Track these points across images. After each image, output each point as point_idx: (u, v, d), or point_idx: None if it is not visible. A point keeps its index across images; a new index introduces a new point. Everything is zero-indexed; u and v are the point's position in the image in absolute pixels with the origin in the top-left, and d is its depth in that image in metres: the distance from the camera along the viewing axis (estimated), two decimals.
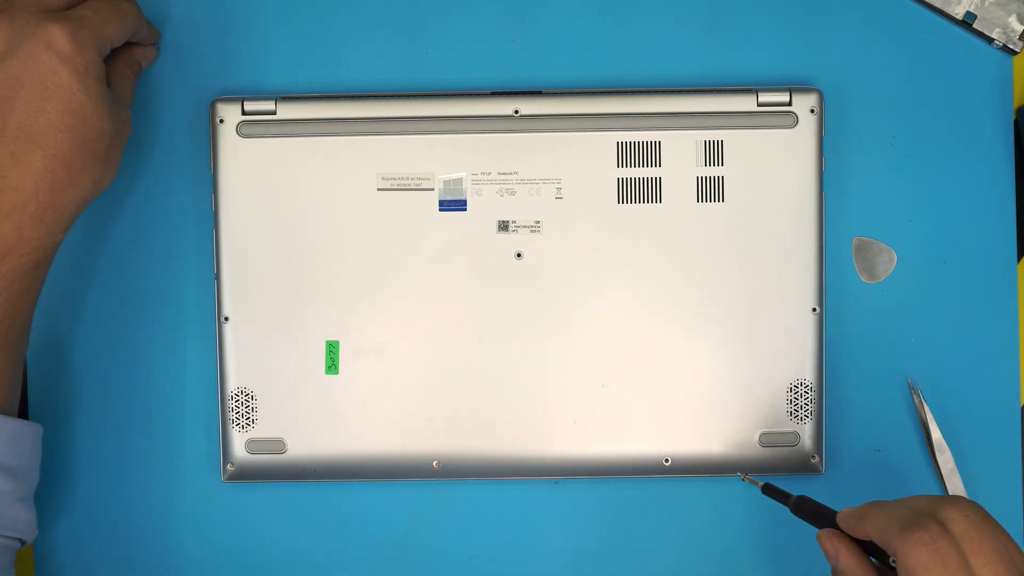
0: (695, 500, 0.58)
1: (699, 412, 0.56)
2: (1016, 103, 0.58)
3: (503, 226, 0.56)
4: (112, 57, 0.53)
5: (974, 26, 0.57)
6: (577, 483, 0.58)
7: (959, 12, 0.57)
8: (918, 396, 0.57)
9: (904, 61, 0.58)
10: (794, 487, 0.58)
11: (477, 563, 0.58)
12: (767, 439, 0.56)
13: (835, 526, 0.47)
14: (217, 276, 0.56)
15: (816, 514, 0.49)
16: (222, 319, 0.56)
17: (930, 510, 0.44)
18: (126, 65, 0.54)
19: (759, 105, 0.56)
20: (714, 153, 0.56)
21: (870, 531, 0.45)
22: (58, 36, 0.47)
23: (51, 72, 0.47)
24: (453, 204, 0.56)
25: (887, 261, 0.58)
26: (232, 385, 0.56)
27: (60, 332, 0.58)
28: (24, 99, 0.47)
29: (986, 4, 0.57)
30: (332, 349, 0.56)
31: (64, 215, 0.49)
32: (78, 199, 0.49)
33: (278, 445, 0.56)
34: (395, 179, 0.56)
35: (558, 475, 0.57)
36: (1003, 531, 0.44)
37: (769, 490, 0.51)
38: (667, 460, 0.56)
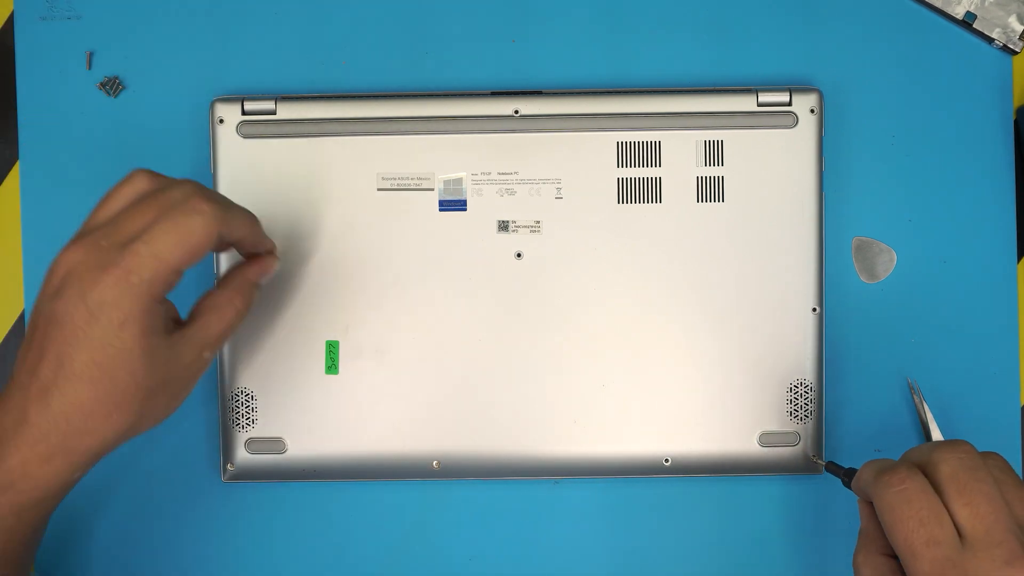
0: (695, 500, 0.58)
1: (699, 412, 0.56)
2: (1016, 103, 0.58)
3: (503, 226, 0.56)
4: (221, 282, 0.50)
5: (974, 26, 0.57)
6: (577, 483, 0.58)
7: (959, 12, 0.57)
8: (918, 396, 0.57)
9: (904, 61, 0.58)
10: (794, 487, 0.58)
11: (477, 563, 0.58)
12: (767, 439, 0.56)
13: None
14: (217, 276, 0.56)
15: (841, 473, 0.51)
16: None
17: (923, 455, 0.44)
18: (233, 293, 0.49)
19: (759, 105, 0.56)
20: (714, 153, 0.56)
21: (861, 486, 0.46)
22: (101, 287, 0.43)
23: (84, 323, 0.43)
24: (453, 204, 0.56)
25: (887, 261, 0.58)
26: (232, 385, 0.56)
27: None
28: (56, 341, 0.44)
29: (986, 4, 0.57)
30: (332, 349, 0.56)
31: (78, 460, 0.45)
32: (96, 447, 0.45)
33: (278, 445, 0.56)
34: (395, 179, 0.56)
35: (558, 475, 0.57)
36: (1008, 476, 0.43)
37: (832, 467, 0.52)
38: (667, 460, 0.56)
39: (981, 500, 0.42)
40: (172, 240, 0.44)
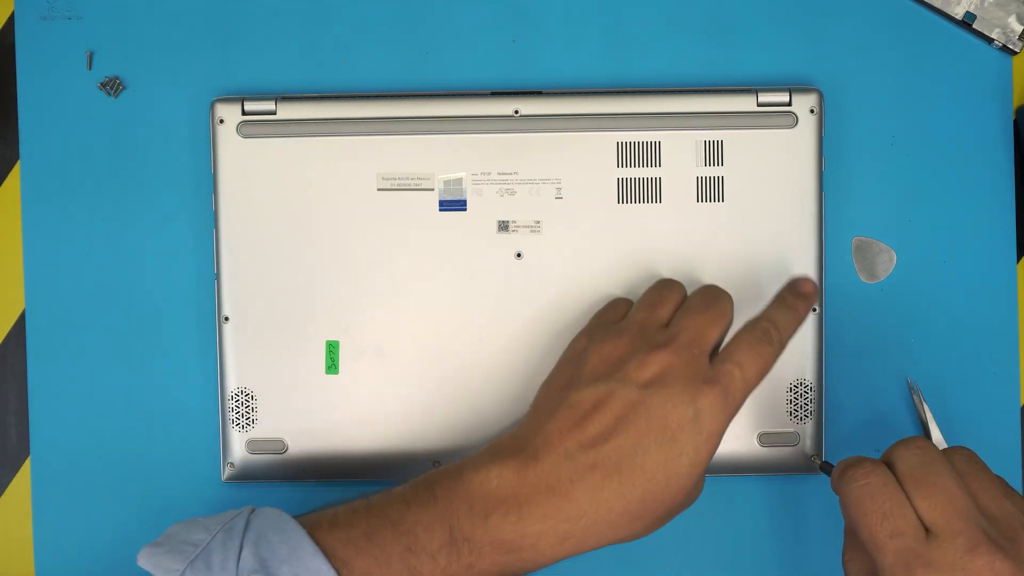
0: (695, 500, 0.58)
1: None
2: (1016, 103, 0.58)
3: (503, 226, 0.56)
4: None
5: (974, 26, 0.57)
6: None
7: (959, 12, 0.57)
8: (918, 396, 0.57)
9: (904, 61, 0.58)
10: (794, 487, 0.58)
11: None
12: (767, 439, 0.56)
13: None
14: (217, 276, 0.56)
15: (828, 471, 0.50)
16: (222, 319, 0.56)
17: (888, 451, 0.45)
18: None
19: (759, 105, 0.56)
20: (714, 153, 0.56)
21: (833, 480, 0.46)
22: (706, 399, 0.44)
23: (679, 424, 0.44)
24: (453, 204, 0.56)
25: (887, 261, 0.58)
26: (232, 385, 0.56)
27: (61, 332, 0.58)
28: (640, 430, 0.44)
29: (986, 4, 0.57)
30: (332, 349, 0.56)
31: (586, 549, 0.45)
32: (608, 542, 0.46)
33: (278, 445, 0.56)
34: (395, 179, 0.56)
35: None
36: (983, 477, 0.44)
37: (826, 467, 0.51)
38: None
39: (937, 492, 0.42)
40: (756, 366, 0.46)
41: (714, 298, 0.48)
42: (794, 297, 0.50)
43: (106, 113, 0.58)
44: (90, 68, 0.58)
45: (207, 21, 0.59)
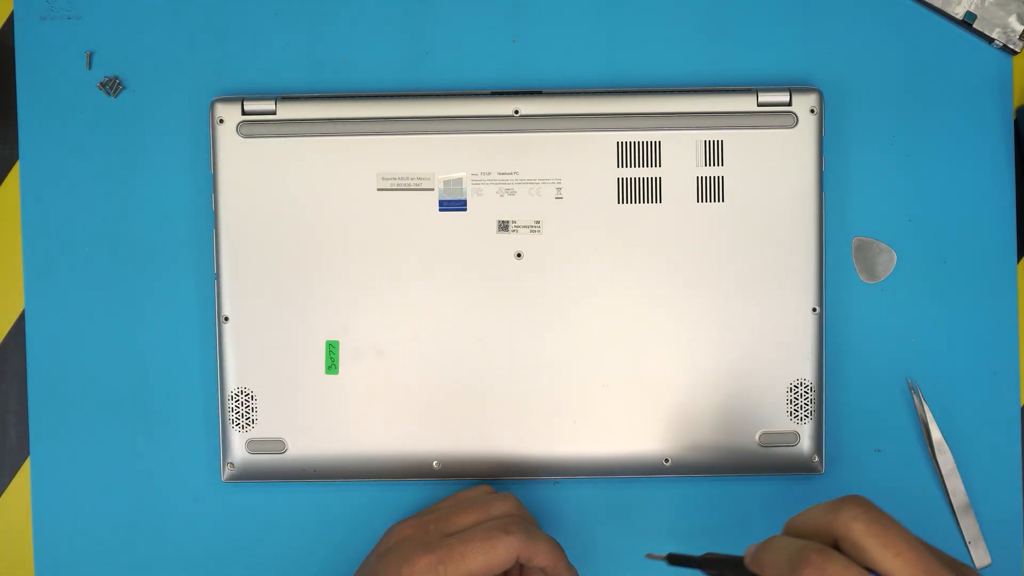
0: (695, 500, 0.58)
1: (699, 412, 0.56)
2: (1016, 103, 0.58)
3: (503, 226, 0.56)
4: None
5: (974, 26, 0.57)
6: (577, 483, 0.58)
7: (959, 12, 0.57)
8: (918, 396, 0.57)
9: (904, 61, 0.58)
10: (794, 487, 0.58)
11: None
12: (767, 439, 0.56)
13: (747, 569, 0.45)
14: (217, 276, 0.56)
15: (727, 564, 0.46)
16: (222, 319, 0.56)
17: (825, 520, 0.42)
18: None
19: (759, 105, 0.56)
20: (714, 153, 0.56)
21: (768, 573, 0.43)
22: (414, 565, 0.49)
23: None
24: (453, 204, 0.56)
25: (887, 261, 0.58)
26: (232, 385, 0.56)
27: (60, 332, 0.58)
28: None
29: (986, 4, 0.57)
30: (332, 349, 0.56)
31: None
32: None
33: (278, 445, 0.56)
34: (395, 179, 0.56)
35: (558, 475, 0.57)
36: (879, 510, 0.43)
37: (675, 560, 0.48)
38: (667, 460, 0.56)
39: (903, 544, 0.40)
40: (479, 548, 0.49)
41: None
42: None
43: (106, 113, 0.58)
44: (90, 68, 0.58)
45: (207, 21, 0.59)
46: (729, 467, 0.56)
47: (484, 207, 0.56)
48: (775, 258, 0.56)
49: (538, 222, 0.56)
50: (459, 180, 0.56)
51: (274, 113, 0.56)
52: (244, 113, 0.56)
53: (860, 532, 0.41)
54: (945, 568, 0.40)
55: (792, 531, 0.44)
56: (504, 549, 0.49)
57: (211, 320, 0.58)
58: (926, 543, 0.42)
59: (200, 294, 0.58)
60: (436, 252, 0.56)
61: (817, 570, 0.40)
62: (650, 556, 0.50)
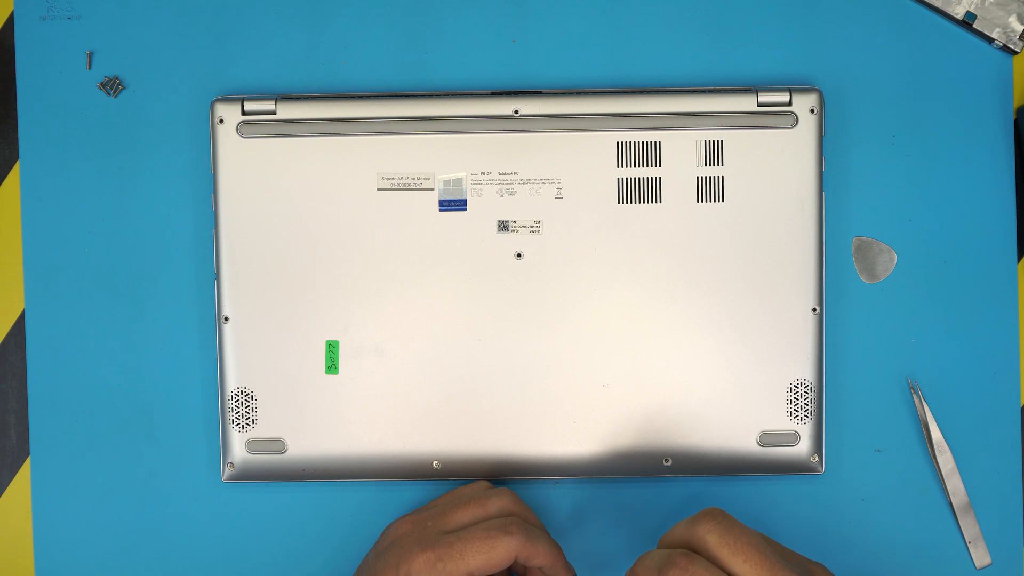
0: (695, 500, 0.58)
1: (699, 412, 0.56)
2: (1016, 103, 0.58)
3: (503, 226, 0.56)
4: None
5: (974, 26, 0.57)
6: (577, 483, 0.58)
7: (959, 12, 0.57)
8: (918, 396, 0.57)
9: (904, 61, 0.58)
10: (794, 487, 0.58)
11: None
12: (767, 439, 0.56)
13: None
14: (217, 276, 0.56)
15: None
16: (222, 319, 0.56)
17: (687, 534, 0.47)
18: None
19: (759, 105, 0.56)
20: (714, 153, 0.56)
21: None
22: (412, 562, 0.49)
23: None
24: (453, 204, 0.56)
25: (887, 261, 0.58)
26: (232, 385, 0.56)
27: (60, 332, 0.58)
28: None
29: (986, 4, 0.57)
30: (332, 349, 0.56)
31: None
32: None
33: (278, 445, 0.56)
34: (395, 179, 0.56)
35: (558, 475, 0.57)
36: (752, 531, 0.47)
37: None
38: (667, 460, 0.56)
39: (751, 550, 0.45)
40: (478, 548, 0.50)
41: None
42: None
43: (106, 113, 0.58)
44: (90, 68, 0.59)
45: (207, 21, 0.59)
46: (729, 467, 0.56)
47: (484, 207, 0.56)
48: (775, 258, 0.56)
49: (538, 222, 0.56)
50: (459, 180, 0.56)
51: (274, 113, 0.56)
52: (244, 113, 0.56)
53: (713, 543, 0.46)
54: (789, 568, 0.44)
55: (662, 546, 0.48)
56: (504, 549, 0.50)
57: (211, 320, 0.58)
58: (778, 548, 0.47)
59: (200, 294, 0.58)
60: (436, 252, 0.56)
61: (682, 569, 0.45)
62: None
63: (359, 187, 0.56)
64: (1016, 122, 0.58)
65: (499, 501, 0.52)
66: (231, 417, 0.56)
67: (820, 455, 0.56)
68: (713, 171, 0.56)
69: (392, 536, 0.52)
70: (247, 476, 0.57)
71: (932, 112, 0.58)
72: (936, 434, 0.57)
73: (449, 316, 0.56)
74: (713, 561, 0.45)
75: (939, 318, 0.58)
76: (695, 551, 0.46)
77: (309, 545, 0.58)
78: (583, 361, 0.56)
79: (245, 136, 0.56)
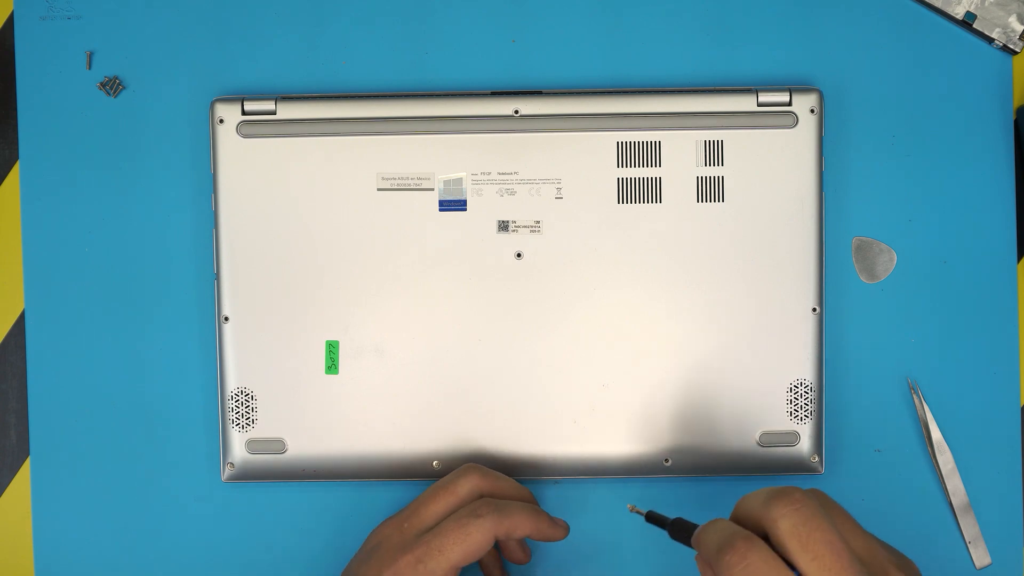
0: (695, 500, 0.58)
1: (699, 412, 0.56)
2: (1016, 103, 0.58)
3: (503, 226, 0.56)
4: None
5: (974, 26, 0.57)
6: (577, 483, 0.58)
7: (959, 12, 0.57)
8: (918, 396, 0.57)
9: (904, 61, 0.58)
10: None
11: (477, 563, 0.58)
12: (767, 439, 0.56)
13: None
14: (217, 276, 0.56)
15: (686, 532, 0.47)
16: (222, 319, 0.56)
17: (757, 511, 0.43)
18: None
19: (759, 105, 0.56)
20: (714, 153, 0.56)
21: (705, 554, 0.45)
22: (396, 567, 0.50)
23: None
24: (453, 204, 0.56)
25: (887, 261, 0.58)
26: (232, 385, 0.56)
27: (60, 332, 0.58)
28: None
29: (986, 4, 0.57)
30: (332, 349, 0.56)
31: None
32: None
33: (278, 445, 0.56)
34: (395, 179, 0.56)
35: (558, 475, 0.57)
36: (842, 516, 0.44)
37: (652, 518, 0.50)
38: (667, 460, 0.56)
39: (824, 550, 0.41)
40: (455, 540, 0.50)
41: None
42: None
43: (106, 113, 0.58)
44: (90, 68, 0.58)
45: (207, 21, 0.59)
46: (729, 467, 0.56)
47: (484, 207, 0.56)
48: (775, 258, 0.56)
49: (538, 222, 0.56)
50: (459, 180, 0.56)
51: (274, 113, 0.56)
52: (244, 113, 0.56)
53: (784, 531, 0.42)
54: (860, 571, 0.41)
55: (738, 513, 0.45)
56: (479, 534, 0.50)
57: (211, 320, 0.58)
58: (863, 545, 0.43)
59: (200, 294, 0.58)
60: (436, 252, 0.56)
61: (740, 556, 0.42)
62: (632, 509, 0.51)
63: (359, 187, 0.56)
64: (1016, 122, 0.58)
65: (467, 483, 0.52)
66: (231, 417, 0.56)
67: (820, 455, 0.56)
68: (713, 171, 0.56)
69: (373, 542, 0.52)
70: (247, 476, 0.57)
71: (932, 112, 0.58)
72: (936, 434, 0.57)
73: (449, 316, 0.56)
74: (780, 549, 0.42)
75: (939, 318, 0.58)
76: (766, 532, 0.43)
77: (309, 545, 0.58)
78: (583, 361, 0.56)
79: (245, 136, 0.56)
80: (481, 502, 0.51)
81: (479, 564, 0.56)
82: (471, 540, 0.50)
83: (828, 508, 0.44)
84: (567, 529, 0.54)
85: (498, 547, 0.55)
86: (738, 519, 0.45)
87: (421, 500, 0.52)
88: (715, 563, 0.43)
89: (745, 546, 0.42)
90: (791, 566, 0.42)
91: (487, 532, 0.50)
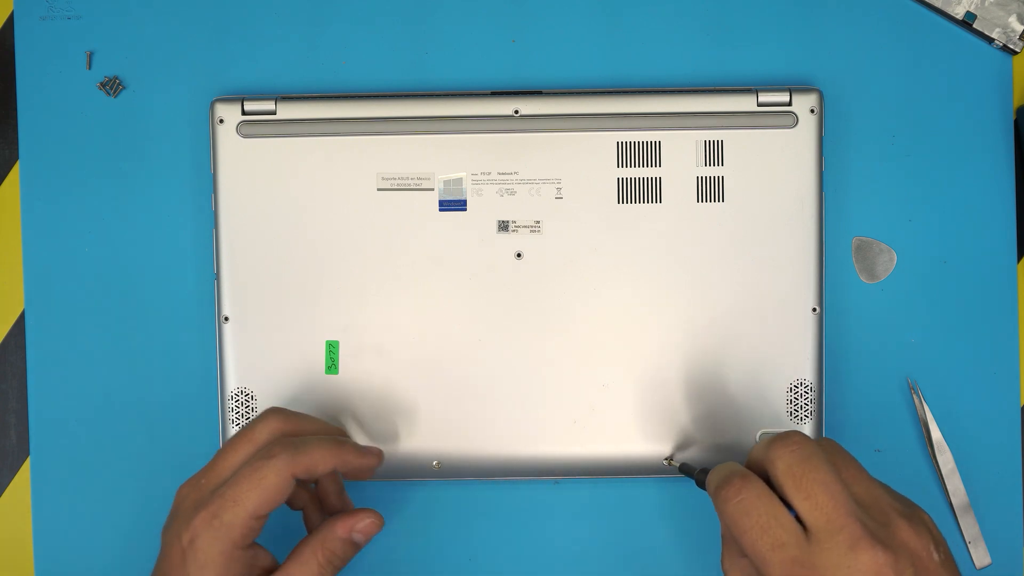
0: (695, 500, 0.58)
1: (699, 412, 0.56)
2: (1016, 103, 0.58)
3: (503, 226, 0.56)
4: (313, 532, 0.51)
5: (974, 26, 0.57)
6: (577, 483, 0.58)
7: (959, 12, 0.57)
8: (918, 396, 0.57)
9: (904, 61, 0.58)
10: None
11: (477, 563, 0.58)
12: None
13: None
14: (217, 276, 0.56)
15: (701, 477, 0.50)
16: (222, 319, 0.56)
17: (763, 452, 0.44)
18: (316, 546, 0.49)
19: (759, 105, 0.56)
20: (714, 153, 0.56)
21: (710, 493, 0.46)
22: (193, 527, 0.46)
23: (179, 559, 0.46)
24: (453, 204, 0.56)
25: (887, 261, 0.58)
26: (232, 385, 0.56)
27: (61, 332, 0.58)
28: (163, 569, 0.48)
29: (986, 4, 0.57)
30: (332, 349, 0.56)
31: None
32: None
33: None
34: (395, 179, 0.56)
35: (558, 475, 0.57)
36: (848, 462, 0.44)
37: (683, 469, 0.53)
38: (667, 460, 0.56)
39: (818, 489, 0.42)
40: (249, 486, 0.46)
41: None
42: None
43: (106, 113, 0.58)
44: (90, 68, 0.59)
45: (207, 21, 0.59)
46: None
47: (484, 207, 0.56)
48: (775, 258, 0.56)
49: (538, 222, 0.56)
50: (459, 180, 0.56)
51: (274, 113, 0.56)
52: (244, 113, 0.56)
53: (780, 471, 0.43)
54: (856, 516, 0.41)
55: (748, 461, 0.46)
56: (274, 475, 0.46)
57: (211, 320, 0.58)
58: (861, 488, 0.43)
59: (200, 294, 0.58)
60: (436, 252, 0.56)
61: (735, 491, 0.43)
62: (668, 463, 0.54)
63: (359, 187, 0.56)
64: (1016, 122, 0.58)
65: (266, 426, 0.49)
66: (231, 417, 0.56)
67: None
68: (713, 171, 0.56)
69: (174, 505, 0.49)
70: None
71: (932, 112, 0.58)
72: (936, 434, 0.57)
73: (449, 316, 0.56)
74: (778, 488, 0.43)
75: (939, 318, 0.58)
76: (766, 473, 0.44)
77: None
78: (583, 361, 0.56)
79: (245, 136, 0.56)
80: (274, 442, 0.48)
81: (304, 520, 0.53)
82: (266, 484, 0.46)
83: (834, 454, 0.45)
84: (380, 456, 0.50)
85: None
86: (747, 466, 0.46)
87: (219, 453, 0.49)
88: (714, 499, 0.45)
89: (741, 482, 0.43)
90: (789, 507, 0.42)
91: (283, 472, 0.46)
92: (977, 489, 0.57)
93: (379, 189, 0.56)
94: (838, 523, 0.42)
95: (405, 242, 0.56)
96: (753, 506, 0.43)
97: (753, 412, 0.56)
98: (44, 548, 0.58)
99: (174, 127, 0.58)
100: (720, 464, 0.46)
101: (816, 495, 0.42)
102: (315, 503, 0.53)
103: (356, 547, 0.50)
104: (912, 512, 0.44)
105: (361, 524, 0.50)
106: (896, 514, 0.43)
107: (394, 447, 0.56)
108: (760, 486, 0.43)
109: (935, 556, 0.42)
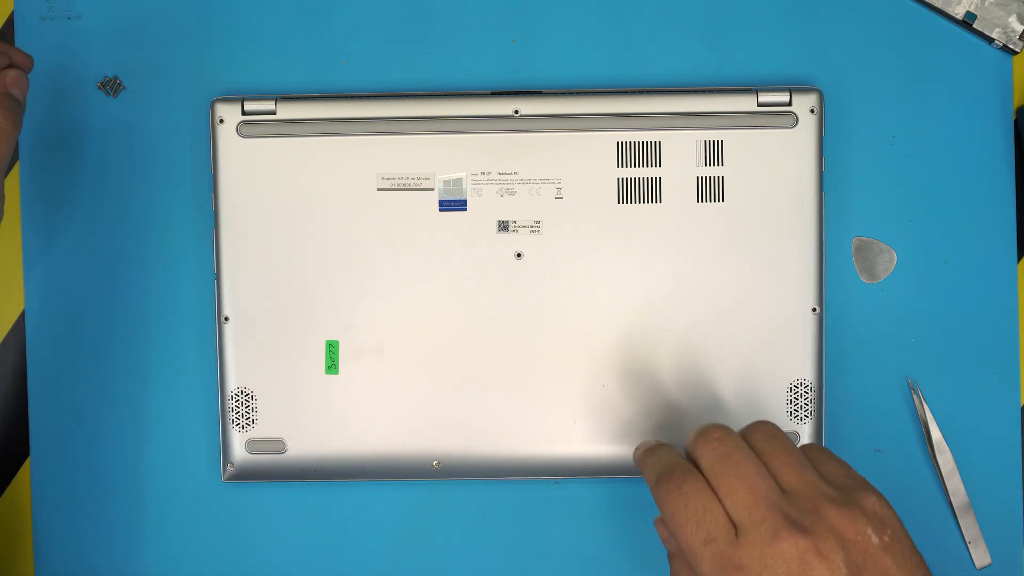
0: None
1: (699, 412, 0.56)
2: (1016, 103, 0.58)
3: (503, 226, 0.56)
4: None
5: (974, 26, 0.57)
6: (577, 483, 0.58)
7: (959, 12, 0.57)
8: (918, 396, 0.57)
9: (904, 61, 0.58)
10: None
11: (477, 563, 0.58)
12: None
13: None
14: (217, 276, 0.56)
15: None
16: (222, 319, 0.56)
17: (690, 448, 0.44)
18: None
19: (759, 105, 0.56)
20: (714, 153, 0.56)
21: (646, 479, 0.46)
22: None
23: None
24: (453, 204, 0.56)
25: (887, 261, 0.58)
26: (232, 385, 0.56)
27: (60, 331, 0.58)
28: None
29: (986, 4, 0.57)
30: (332, 349, 0.56)
31: None
32: None
33: (278, 445, 0.56)
34: (395, 179, 0.56)
35: (558, 475, 0.57)
36: (780, 450, 0.43)
37: None
38: None
39: (738, 484, 0.42)
40: None
41: None
42: None
43: (105, 113, 0.58)
44: (90, 68, 0.58)
45: (207, 21, 0.59)
46: None
47: (484, 207, 0.56)
48: (775, 258, 0.56)
49: (538, 222, 0.56)
50: (459, 180, 0.56)
51: (274, 113, 0.56)
52: (244, 113, 0.56)
53: (705, 470, 0.43)
54: (779, 509, 0.41)
55: (684, 449, 0.46)
56: None
57: (211, 320, 0.58)
58: (794, 477, 0.42)
59: (200, 294, 0.58)
60: (436, 252, 0.56)
61: (675, 485, 0.43)
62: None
63: (359, 187, 0.56)
64: (1016, 122, 0.58)
65: None
66: (231, 417, 0.56)
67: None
68: (713, 171, 0.56)
69: None
70: (247, 476, 0.57)
71: (932, 112, 0.58)
72: (936, 434, 0.57)
73: (449, 316, 0.56)
74: (709, 483, 0.43)
75: (939, 318, 0.58)
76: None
77: (309, 545, 0.58)
78: (583, 361, 0.56)
79: (245, 136, 0.56)
80: None
81: None
82: None
83: (764, 440, 0.44)
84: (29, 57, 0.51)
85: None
86: (686, 448, 0.46)
87: None
88: (654, 491, 0.44)
89: (683, 474, 0.43)
90: None
91: None
92: (977, 489, 0.57)
93: (379, 189, 0.56)
94: (759, 515, 0.41)
95: (405, 242, 0.56)
96: (692, 498, 0.42)
97: (753, 412, 0.56)
98: (44, 548, 0.58)
99: (174, 127, 0.58)
100: (657, 446, 0.46)
101: (736, 490, 0.42)
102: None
103: (16, 101, 0.51)
104: (848, 496, 0.42)
105: (10, 78, 0.51)
106: (825, 499, 0.42)
107: (394, 447, 0.56)
108: (699, 479, 0.43)
109: (873, 539, 0.41)
